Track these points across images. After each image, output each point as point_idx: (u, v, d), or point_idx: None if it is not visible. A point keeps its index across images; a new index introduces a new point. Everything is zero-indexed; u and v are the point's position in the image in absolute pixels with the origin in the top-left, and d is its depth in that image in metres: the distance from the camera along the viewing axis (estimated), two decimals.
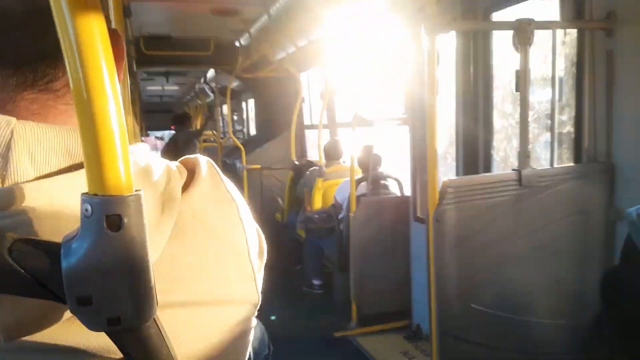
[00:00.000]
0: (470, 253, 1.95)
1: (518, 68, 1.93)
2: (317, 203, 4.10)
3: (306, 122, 5.74)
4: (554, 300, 2.09)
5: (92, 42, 0.35)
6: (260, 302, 0.65)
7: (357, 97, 3.19)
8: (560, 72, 2.15)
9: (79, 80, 0.35)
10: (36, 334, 0.44)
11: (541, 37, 2.11)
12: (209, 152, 8.07)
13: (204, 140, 8.48)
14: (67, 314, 0.42)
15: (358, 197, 3.27)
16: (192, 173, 0.58)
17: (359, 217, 3.25)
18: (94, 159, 0.36)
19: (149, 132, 14.17)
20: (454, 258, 1.93)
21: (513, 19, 1.94)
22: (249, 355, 1.23)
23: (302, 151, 5.71)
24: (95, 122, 0.36)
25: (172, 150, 7.30)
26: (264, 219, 5.55)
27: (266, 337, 1.37)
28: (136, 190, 0.38)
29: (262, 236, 0.69)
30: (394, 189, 3.70)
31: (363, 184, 3.42)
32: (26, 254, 0.38)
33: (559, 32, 2.08)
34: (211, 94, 8.13)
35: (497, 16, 2.40)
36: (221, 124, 8.02)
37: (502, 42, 2.43)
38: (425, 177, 2.15)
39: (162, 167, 0.54)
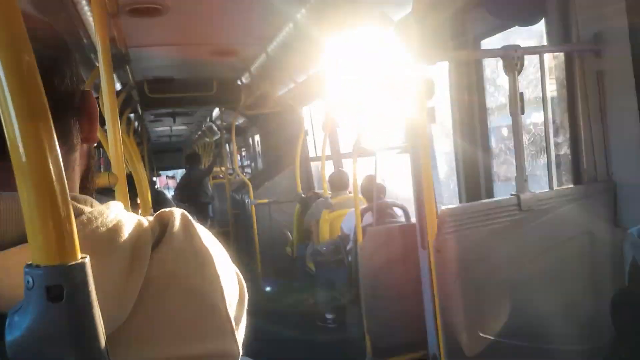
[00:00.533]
0: (474, 281, 1.92)
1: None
2: (325, 235, 4.08)
3: (311, 154, 5.78)
4: (567, 325, 2.04)
5: (29, 106, 0.35)
6: (240, 355, 0.65)
7: (358, 128, 3.21)
8: (552, 93, 2.16)
9: (17, 149, 0.35)
10: None
11: (533, 60, 2.12)
12: (217, 188, 8.16)
13: (213, 177, 8.57)
14: None
15: (364, 227, 3.25)
16: (164, 228, 0.59)
17: (366, 248, 3.21)
18: (33, 228, 0.36)
19: (160, 172, 14.35)
20: (458, 287, 1.90)
21: (500, 46, 1.97)
22: None
23: (308, 183, 5.73)
24: (35, 192, 0.36)
25: (186, 188, 7.49)
26: (275, 254, 5.55)
27: None
28: (82, 258, 0.38)
29: (243, 282, 0.69)
30: (402, 217, 3.68)
31: (369, 213, 3.41)
32: None
33: (548, 55, 2.09)
34: (218, 132, 8.25)
35: (488, 43, 2.44)
36: (229, 161, 8.11)
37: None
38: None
39: (132, 225, 0.54)
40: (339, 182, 4.28)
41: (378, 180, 3.42)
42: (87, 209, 0.52)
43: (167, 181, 15.43)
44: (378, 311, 3.28)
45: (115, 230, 0.52)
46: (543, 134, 2.08)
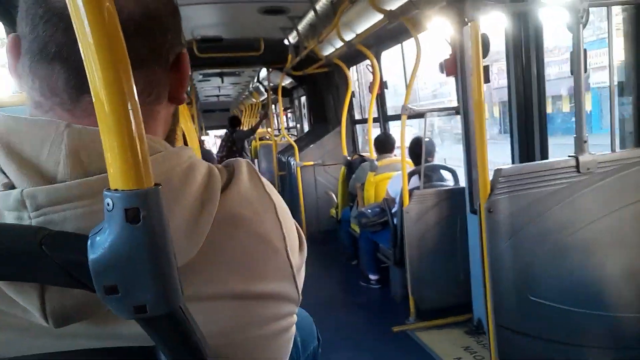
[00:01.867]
0: (525, 244, 1.88)
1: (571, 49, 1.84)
2: (370, 198, 4.07)
3: (357, 116, 5.72)
4: (620, 293, 1.98)
5: (108, 51, 0.38)
6: (300, 299, 0.67)
7: (408, 88, 3.14)
8: (619, 51, 2.03)
9: (96, 83, 0.38)
10: (83, 322, 0.48)
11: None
12: (264, 149, 8.27)
13: (260, 139, 8.67)
14: None
15: (411, 190, 3.23)
16: (232, 175, 0.61)
17: (412, 211, 3.20)
18: (112, 156, 0.39)
19: (208, 131, 14.63)
20: (509, 249, 1.87)
21: None
22: (297, 346, 1.25)
23: (354, 146, 5.70)
24: (112, 124, 0.38)
25: (230, 148, 7.74)
26: (319, 215, 5.62)
27: (315, 329, 1.39)
28: (155, 184, 0.40)
29: (302, 234, 0.71)
30: (450, 181, 3.62)
31: (416, 177, 3.37)
32: (57, 246, 0.42)
33: (617, 9, 1.96)
34: (265, 93, 8.30)
35: None
36: (276, 122, 8.17)
37: None
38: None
39: (204, 167, 0.57)
40: (385, 145, 4.24)
41: (428, 142, 3.36)
42: (161, 148, 0.55)
43: (215, 140, 15.70)
44: (422, 273, 3.29)
45: (188, 170, 0.55)
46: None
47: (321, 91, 6.00)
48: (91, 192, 0.47)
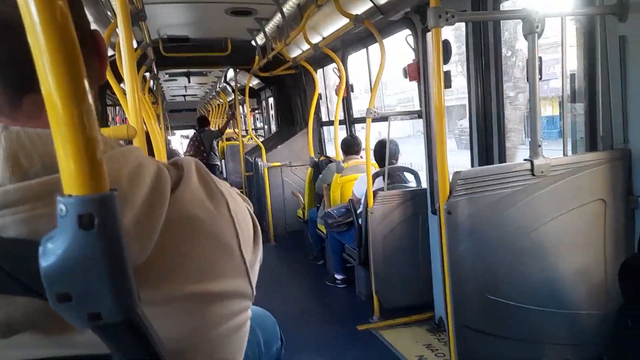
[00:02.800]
0: (484, 244, 1.94)
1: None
2: (336, 198, 4.11)
3: (324, 118, 5.76)
4: (575, 291, 2.07)
5: (60, 51, 0.36)
6: (254, 295, 0.67)
7: (372, 92, 3.18)
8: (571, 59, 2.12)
9: (49, 87, 0.37)
10: (33, 331, 0.47)
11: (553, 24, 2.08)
12: (231, 149, 8.22)
13: (227, 139, 8.62)
14: None
15: (375, 191, 3.28)
16: (181, 173, 0.61)
17: (376, 211, 3.26)
18: (66, 161, 0.38)
19: (174, 131, 14.39)
20: (468, 250, 1.93)
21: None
22: (260, 346, 1.26)
23: (320, 147, 5.74)
24: (66, 127, 0.37)
25: (197, 148, 7.71)
26: (286, 216, 5.63)
27: (278, 329, 1.40)
28: (111, 190, 0.40)
29: (257, 224, 0.71)
30: (414, 182, 3.70)
31: (380, 178, 3.43)
32: (6, 254, 0.41)
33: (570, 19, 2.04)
34: (232, 93, 8.25)
35: (507, 6, 2.38)
36: (243, 123, 8.13)
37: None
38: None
39: (153, 167, 0.56)
40: (350, 147, 4.29)
41: (392, 145, 3.42)
42: (107, 149, 0.53)
43: (181, 140, 15.46)
44: (386, 273, 3.35)
45: (137, 170, 0.53)
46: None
47: (288, 93, 6.00)
48: (31, 196, 0.45)
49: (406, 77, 2.95)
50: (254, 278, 0.67)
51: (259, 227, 0.71)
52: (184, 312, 0.55)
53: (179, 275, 0.56)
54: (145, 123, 2.73)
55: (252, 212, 0.71)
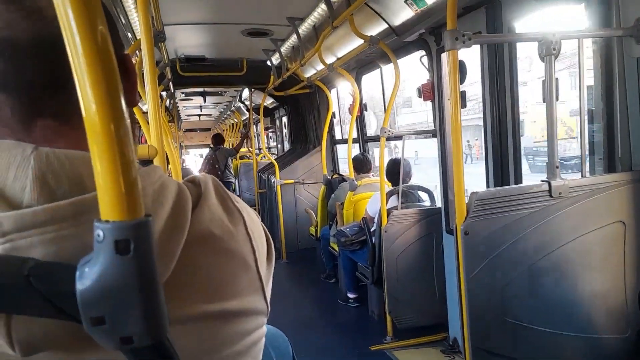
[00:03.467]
0: (501, 265, 1.92)
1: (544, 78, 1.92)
2: (349, 217, 4.11)
3: (337, 136, 5.79)
4: (593, 314, 2.03)
5: (102, 75, 0.37)
6: (269, 311, 0.66)
7: (387, 111, 3.20)
8: (589, 80, 2.11)
9: (91, 112, 0.37)
10: (51, 350, 0.47)
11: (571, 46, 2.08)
12: (245, 167, 8.28)
13: (241, 157, 8.69)
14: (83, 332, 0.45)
15: (389, 210, 3.27)
16: (200, 192, 0.61)
17: (390, 230, 3.24)
18: (105, 187, 0.38)
19: (188, 150, 14.53)
20: (484, 271, 1.91)
21: (538, 30, 1.93)
22: None
23: (334, 165, 5.75)
24: (107, 153, 0.37)
25: (212, 166, 7.79)
26: (299, 233, 5.62)
27: (290, 349, 1.39)
28: (146, 216, 0.40)
29: (270, 240, 0.71)
30: (427, 202, 3.68)
31: (394, 197, 3.42)
32: (43, 277, 0.41)
33: (587, 41, 2.05)
34: (246, 112, 8.34)
35: (522, 27, 2.39)
36: (257, 141, 8.20)
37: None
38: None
39: (174, 186, 0.57)
40: (362, 165, 4.29)
41: (405, 163, 3.42)
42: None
43: (196, 159, 15.60)
44: (400, 293, 3.32)
45: (159, 190, 0.54)
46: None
47: (302, 111, 6.05)
48: (59, 217, 0.46)
49: (420, 97, 2.96)
50: (269, 294, 0.67)
51: (272, 243, 0.71)
52: (202, 331, 0.55)
53: (198, 293, 0.56)
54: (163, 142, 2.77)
55: (265, 228, 0.72)
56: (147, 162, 1.50)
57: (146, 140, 1.54)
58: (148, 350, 0.42)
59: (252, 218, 0.66)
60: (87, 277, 0.39)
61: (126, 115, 0.39)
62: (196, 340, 0.55)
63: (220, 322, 0.57)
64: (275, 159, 6.09)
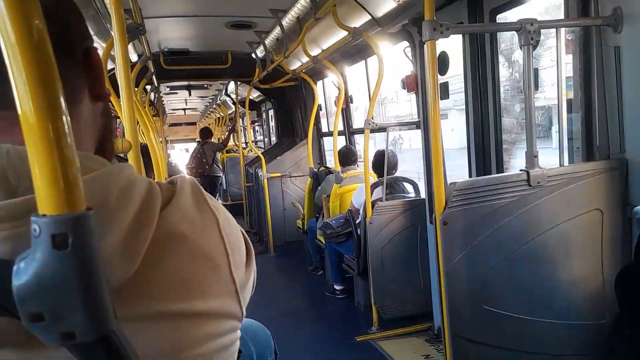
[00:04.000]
0: (480, 254, 1.94)
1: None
2: (335, 209, 4.11)
3: (324, 129, 5.79)
4: (571, 301, 2.06)
5: (36, 70, 0.36)
6: (244, 316, 0.66)
7: (371, 103, 3.20)
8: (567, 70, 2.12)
9: (25, 105, 0.37)
10: (7, 348, 0.47)
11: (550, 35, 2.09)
12: (231, 161, 8.24)
13: (227, 151, 8.64)
14: None
15: (374, 202, 3.28)
16: (173, 191, 0.60)
17: (375, 222, 3.26)
18: (40, 180, 0.37)
19: (174, 144, 14.43)
20: (463, 260, 1.92)
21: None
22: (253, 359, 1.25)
23: (320, 158, 5.75)
24: (39, 146, 0.37)
25: (199, 160, 7.73)
26: (286, 226, 5.63)
27: (272, 342, 1.39)
28: (87, 209, 0.39)
29: (251, 249, 0.70)
30: (413, 193, 3.70)
31: (379, 188, 3.43)
32: None
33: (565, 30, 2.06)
34: (232, 106, 8.29)
35: (503, 18, 2.40)
36: (243, 134, 8.17)
37: None
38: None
39: (143, 185, 0.56)
40: (347, 157, 4.30)
41: (390, 155, 3.43)
42: (97, 167, 0.53)
43: (181, 153, 15.52)
44: (385, 283, 3.34)
45: (126, 189, 0.53)
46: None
47: (288, 104, 6.03)
48: (15, 214, 0.45)
49: (404, 88, 2.96)
50: (245, 299, 0.66)
51: (252, 249, 0.70)
52: (165, 329, 0.55)
53: (163, 292, 0.55)
54: (144, 136, 2.74)
55: (245, 234, 0.71)
56: (122, 159, 1.48)
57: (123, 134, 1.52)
58: (93, 346, 0.42)
59: (229, 222, 0.65)
60: (23, 273, 0.39)
61: (64, 111, 0.38)
62: (158, 339, 0.54)
63: (184, 322, 0.56)
64: (262, 153, 6.08)
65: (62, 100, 0.38)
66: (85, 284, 0.40)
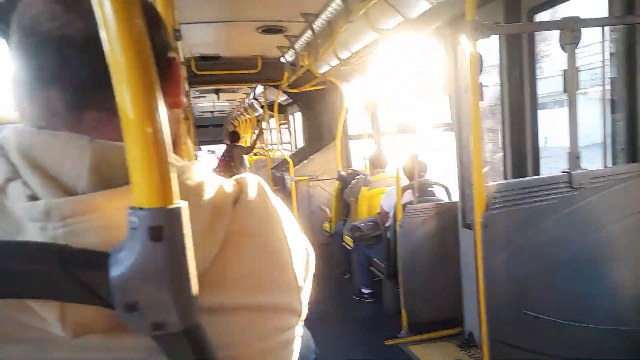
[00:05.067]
0: (520, 258, 1.90)
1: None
2: (363, 212, 4.10)
3: (350, 132, 5.77)
4: (615, 306, 2.01)
5: (138, 68, 0.38)
6: (305, 313, 0.67)
7: (400, 106, 3.18)
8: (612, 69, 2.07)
9: (125, 103, 0.38)
10: (99, 333, 0.49)
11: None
12: (258, 164, 8.29)
13: (254, 154, 8.70)
14: None
15: (404, 205, 3.26)
16: (241, 190, 0.62)
17: (405, 225, 3.23)
18: (139, 174, 0.39)
19: (201, 146, 14.61)
20: (503, 263, 1.89)
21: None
22: None
23: (347, 161, 5.74)
24: (140, 141, 0.39)
25: (228, 163, 7.75)
26: (313, 229, 5.63)
27: (312, 342, 1.39)
28: (180, 203, 0.41)
29: (311, 251, 0.72)
30: (441, 196, 3.66)
31: (409, 191, 3.40)
32: (78, 264, 0.42)
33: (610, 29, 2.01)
34: (260, 109, 8.34)
35: (542, 17, 2.36)
36: (270, 137, 8.21)
37: None
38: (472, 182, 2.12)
39: (216, 182, 0.58)
40: (378, 160, 4.28)
41: (419, 159, 3.40)
42: (177, 163, 0.56)
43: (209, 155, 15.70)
44: (415, 287, 3.31)
45: (201, 184, 0.56)
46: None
47: (316, 108, 6.05)
48: (114, 205, 0.48)
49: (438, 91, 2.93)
50: (306, 298, 0.67)
51: (312, 255, 0.72)
52: (236, 322, 0.56)
53: (233, 286, 0.57)
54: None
55: (305, 238, 0.72)
56: None
57: None
58: (179, 336, 0.43)
59: (291, 223, 0.67)
60: (120, 264, 0.40)
61: (161, 107, 0.40)
62: (229, 331, 0.55)
63: (254, 315, 0.58)
64: (289, 156, 6.10)
65: (159, 100, 0.40)
66: (178, 275, 0.41)
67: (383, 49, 3.24)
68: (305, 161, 5.68)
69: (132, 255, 0.40)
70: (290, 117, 8.86)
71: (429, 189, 3.62)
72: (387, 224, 3.55)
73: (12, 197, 0.49)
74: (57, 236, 0.46)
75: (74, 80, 0.53)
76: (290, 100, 7.20)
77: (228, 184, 0.61)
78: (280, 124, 9.50)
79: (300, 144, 7.90)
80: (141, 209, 0.39)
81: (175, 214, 0.40)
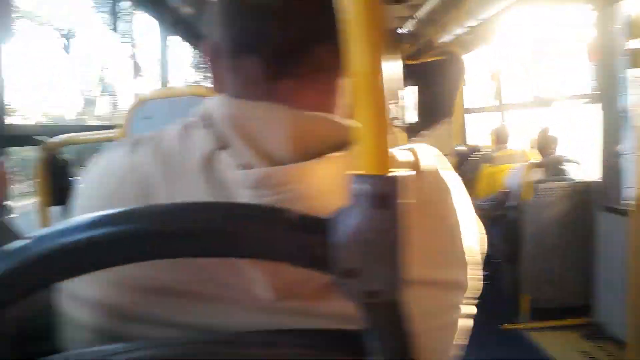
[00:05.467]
0: None
1: None
2: (483, 190, 3.93)
3: (466, 105, 5.51)
4: None
5: (373, 34, 0.38)
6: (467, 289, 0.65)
7: (533, 76, 2.96)
8: None
9: (358, 71, 0.39)
10: (299, 299, 0.50)
11: None
12: None
13: None
14: (322, 283, 0.47)
15: (532, 184, 3.06)
16: (417, 159, 0.61)
17: (532, 205, 3.04)
18: (368, 143, 0.39)
19: None
20: None
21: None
22: None
23: (462, 136, 5.51)
24: (372, 111, 0.39)
25: None
26: None
27: None
28: (400, 172, 0.40)
29: (483, 228, 0.69)
30: (572, 174, 3.38)
31: (537, 169, 3.19)
32: (300, 227, 0.43)
33: None
34: None
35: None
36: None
37: None
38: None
39: (396, 153, 0.58)
40: (502, 136, 4.07)
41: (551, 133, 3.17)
42: None
43: None
44: (539, 271, 3.14)
45: (391, 153, 0.55)
46: None
47: (431, 80, 5.85)
48: (317, 174, 0.49)
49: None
50: (470, 274, 0.65)
51: (483, 228, 0.69)
52: (416, 296, 0.54)
53: (416, 258, 0.56)
54: None
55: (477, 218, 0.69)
56: None
57: None
58: (387, 306, 0.43)
59: (462, 197, 0.65)
60: (342, 229, 0.40)
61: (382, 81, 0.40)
62: (411, 305, 0.55)
63: (433, 290, 0.57)
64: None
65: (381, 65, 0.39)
66: (395, 244, 0.41)
67: (516, 15, 3.01)
68: (419, 137, 5.55)
69: (354, 221, 0.40)
70: (400, 92, 8.68)
71: (561, 166, 3.36)
72: (510, 204, 3.37)
73: (221, 165, 0.51)
74: (272, 203, 0.48)
75: (272, 48, 0.54)
76: (404, 74, 7.03)
77: (405, 153, 0.60)
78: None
79: (410, 119, 7.73)
80: (368, 175, 0.39)
81: (400, 181, 0.39)
